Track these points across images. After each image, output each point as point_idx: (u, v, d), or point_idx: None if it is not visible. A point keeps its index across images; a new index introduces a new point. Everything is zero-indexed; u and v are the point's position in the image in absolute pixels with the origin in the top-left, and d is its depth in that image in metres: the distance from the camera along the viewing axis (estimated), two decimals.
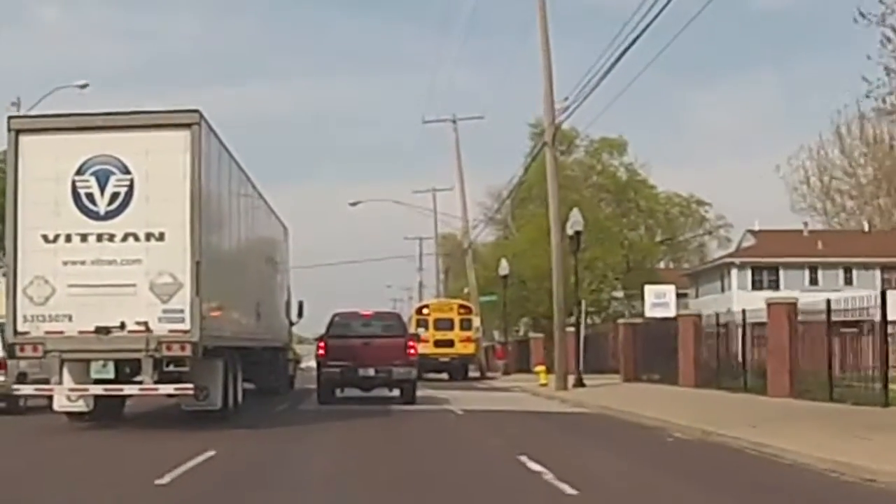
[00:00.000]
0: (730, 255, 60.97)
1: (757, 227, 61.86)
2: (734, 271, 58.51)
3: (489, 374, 46.11)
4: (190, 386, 15.15)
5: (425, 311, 42.99)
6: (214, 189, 16.14)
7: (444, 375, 41.29)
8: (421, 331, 39.05)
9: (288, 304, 28.44)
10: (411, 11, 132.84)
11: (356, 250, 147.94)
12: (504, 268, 45.45)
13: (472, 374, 43.18)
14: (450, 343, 40.83)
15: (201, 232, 15.03)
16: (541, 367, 31.88)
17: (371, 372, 22.20)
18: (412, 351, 22.84)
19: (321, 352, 22.58)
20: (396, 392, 23.32)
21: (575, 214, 30.19)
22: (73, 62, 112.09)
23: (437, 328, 40.91)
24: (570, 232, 29.98)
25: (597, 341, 41.01)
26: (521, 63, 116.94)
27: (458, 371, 41.09)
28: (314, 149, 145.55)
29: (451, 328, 41.25)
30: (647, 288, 34.27)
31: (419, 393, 23.74)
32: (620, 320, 39.89)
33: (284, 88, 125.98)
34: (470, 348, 41.80)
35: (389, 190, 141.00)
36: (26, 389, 16.05)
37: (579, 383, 28.65)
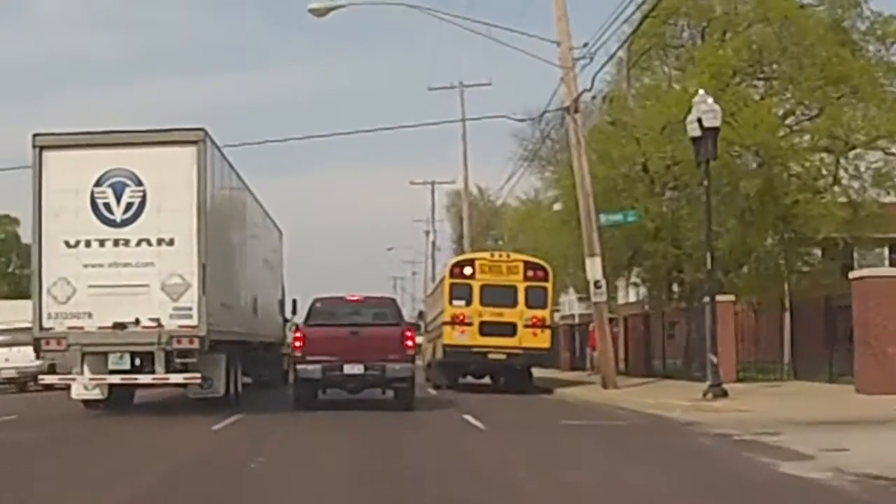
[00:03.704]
0: None
1: None
2: None
3: (590, 379, 29.03)
4: (198, 375, 16.96)
5: (468, 270, 26.32)
6: (217, 199, 17.96)
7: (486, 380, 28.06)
8: (459, 304, 25.85)
9: (282, 301, 30.25)
10: None
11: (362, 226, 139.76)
12: (708, 110, 19.61)
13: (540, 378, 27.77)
14: (509, 329, 25.48)
15: (207, 238, 16.84)
16: None
17: (359, 369, 18.46)
18: (410, 343, 18.91)
19: (297, 344, 18.89)
20: (390, 394, 19.57)
21: None
22: (73, 51, 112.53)
23: (485, 301, 25.70)
24: None
25: (810, 319, 24.14)
26: None
27: (516, 378, 26.24)
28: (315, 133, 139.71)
29: (513, 303, 25.64)
30: None
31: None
32: None
33: (284, 75, 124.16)
34: (542, 339, 25.79)
35: (398, 172, 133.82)
36: (51, 378, 17.87)
37: None
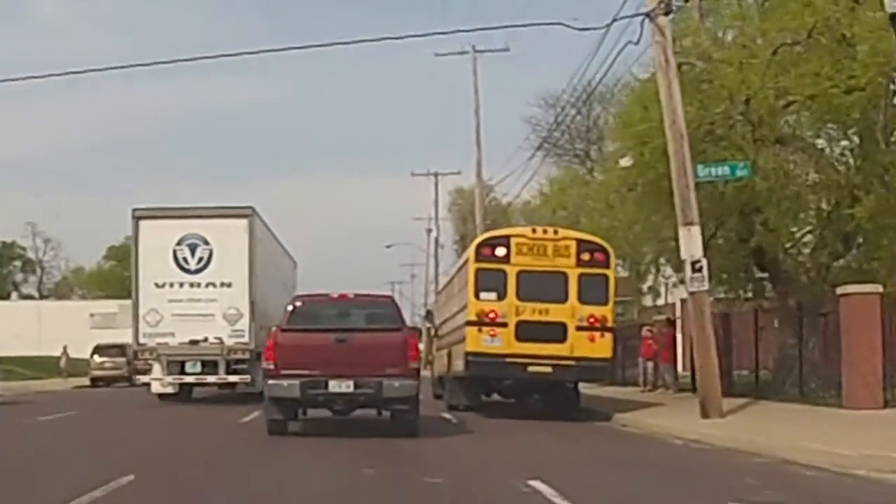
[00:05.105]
0: None
1: None
2: None
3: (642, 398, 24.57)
4: (248, 377, 24.49)
5: (501, 251, 19.85)
6: (260, 254, 25.51)
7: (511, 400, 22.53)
8: (488, 298, 19.63)
9: None
10: None
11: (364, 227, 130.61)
12: None
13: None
14: (556, 332, 19.42)
15: (255, 282, 24.43)
16: None
17: (348, 386, 15.01)
18: (413, 353, 15.40)
19: (269, 353, 15.30)
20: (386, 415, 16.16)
21: None
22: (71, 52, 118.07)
23: (525, 294, 19.57)
24: None
25: None
26: None
27: (562, 399, 20.85)
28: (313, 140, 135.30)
29: (563, 297, 19.54)
30: None
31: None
32: None
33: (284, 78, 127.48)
34: (602, 347, 19.62)
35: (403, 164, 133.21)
36: (144, 378, 25.43)
37: None
